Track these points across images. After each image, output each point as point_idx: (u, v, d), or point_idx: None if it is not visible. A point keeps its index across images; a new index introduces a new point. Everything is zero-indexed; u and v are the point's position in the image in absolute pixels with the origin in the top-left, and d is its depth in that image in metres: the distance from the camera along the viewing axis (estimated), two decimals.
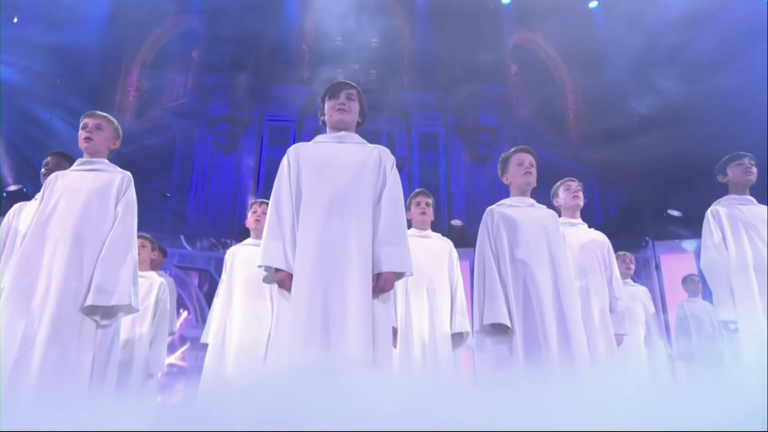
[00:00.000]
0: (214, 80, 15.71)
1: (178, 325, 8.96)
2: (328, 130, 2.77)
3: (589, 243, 3.83)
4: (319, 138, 2.75)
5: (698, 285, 6.43)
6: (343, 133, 2.72)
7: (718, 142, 18.38)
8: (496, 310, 2.82)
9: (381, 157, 2.65)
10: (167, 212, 15.17)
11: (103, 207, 2.92)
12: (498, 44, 17.38)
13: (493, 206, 3.22)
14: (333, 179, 2.52)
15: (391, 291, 2.45)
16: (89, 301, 2.68)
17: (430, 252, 3.82)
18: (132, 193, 3.02)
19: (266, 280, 2.46)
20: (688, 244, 8.14)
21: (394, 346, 3.53)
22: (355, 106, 2.76)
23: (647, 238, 11.28)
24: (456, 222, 9.21)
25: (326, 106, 2.77)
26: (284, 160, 2.64)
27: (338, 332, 2.24)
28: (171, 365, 8.63)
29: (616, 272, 3.82)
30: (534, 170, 3.22)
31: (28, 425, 2.49)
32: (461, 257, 9.05)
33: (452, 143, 16.47)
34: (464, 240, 8.88)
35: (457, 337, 3.60)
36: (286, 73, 16.63)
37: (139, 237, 4.51)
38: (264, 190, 15.65)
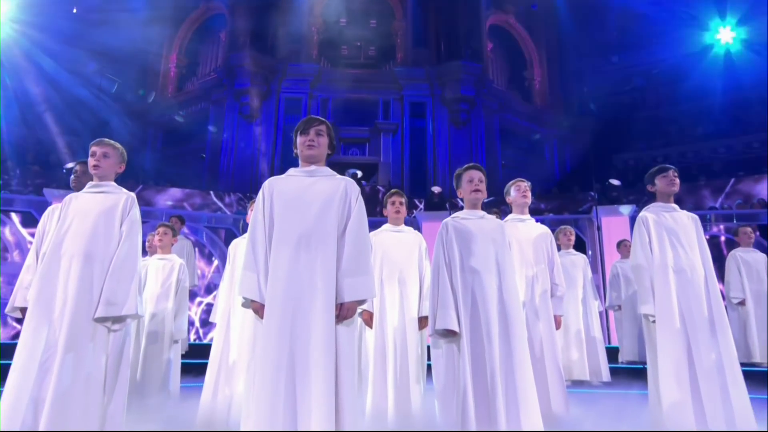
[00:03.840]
0: (238, 59, 15.06)
1: (209, 274, 9.01)
2: (300, 163, 2.48)
3: (536, 237, 3.61)
4: (291, 171, 2.46)
5: (629, 249, 6.24)
6: (313, 167, 2.43)
7: (655, 110, 17.80)
8: (446, 317, 2.64)
9: (347, 190, 2.37)
10: (203, 171, 14.90)
11: (109, 227, 2.69)
12: (477, 25, 16.51)
13: (448, 219, 2.97)
14: (302, 215, 2.27)
15: (355, 315, 2.25)
16: (99, 314, 2.51)
17: (403, 245, 3.59)
18: (135, 213, 2.78)
19: (244, 305, 2.27)
20: (624, 209, 7.90)
21: (370, 327, 3.39)
22: (324, 140, 2.46)
23: (593, 193, 11.05)
24: (436, 188, 8.93)
25: (298, 141, 2.46)
26: (260, 194, 2.38)
27: (302, 361, 2.06)
28: (209, 304, 8.69)
29: (557, 261, 3.62)
30: (483, 186, 2.93)
31: (54, 423, 2.39)
32: (438, 219, 8.87)
33: (437, 111, 16.00)
34: (442, 204, 8.65)
35: (424, 320, 3.43)
36: (298, 52, 15.92)
37: (162, 226, 4.32)
38: (281, 152, 15.29)
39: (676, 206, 3.24)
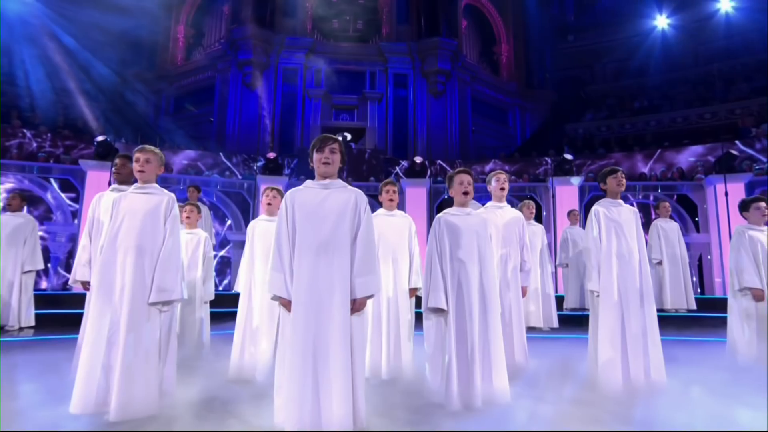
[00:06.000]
0: (240, 32, 14.23)
1: (223, 231, 8.99)
2: (316, 177, 2.47)
3: (510, 221, 3.74)
4: (309, 183, 2.46)
5: (577, 216, 6.44)
6: (327, 181, 2.43)
7: (602, 85, 17.57)
8: (437, 298, 2.78)
9: (357, 201, 2.40)
10: (212, 134, 14.43)
11: (155, 224, 2.69)
12: (453, 5, 15.77)
13: (440, 214, 3.03)
14: (319, 226, 2.30)
15: (366, 307, 2.36)
16: (152, 299, 2.57)
17: (395, 228, 3.66)
18: (176, 211, 2.77)
19: (273, 299, 2.35)
20: (575, 180, 8.05)
21: None
22: (337, 157, 2.44)
23: (547, 158, 11.16)
24: (418, 159, 8.88)
25: (314, 157, 2.44)
26: (282, 203, 2.38)
27: (323, 346, 2.19)
28: (222, 257, 8.77)
29: (527, 242, 3.76)
30: (471, 188, 2.98)
31: (125, 385, 2.49)
32: (419, 186, 8.85)
33: (418, 82, 15.59)
34: (423, 172, 8.65)
35: (413, 291, 3.58)
36: (294, 26, 15.08)
37: (188, 204, 4.29)
38: (279, 117, 14.82)
39: (621, 202, 3.37)
